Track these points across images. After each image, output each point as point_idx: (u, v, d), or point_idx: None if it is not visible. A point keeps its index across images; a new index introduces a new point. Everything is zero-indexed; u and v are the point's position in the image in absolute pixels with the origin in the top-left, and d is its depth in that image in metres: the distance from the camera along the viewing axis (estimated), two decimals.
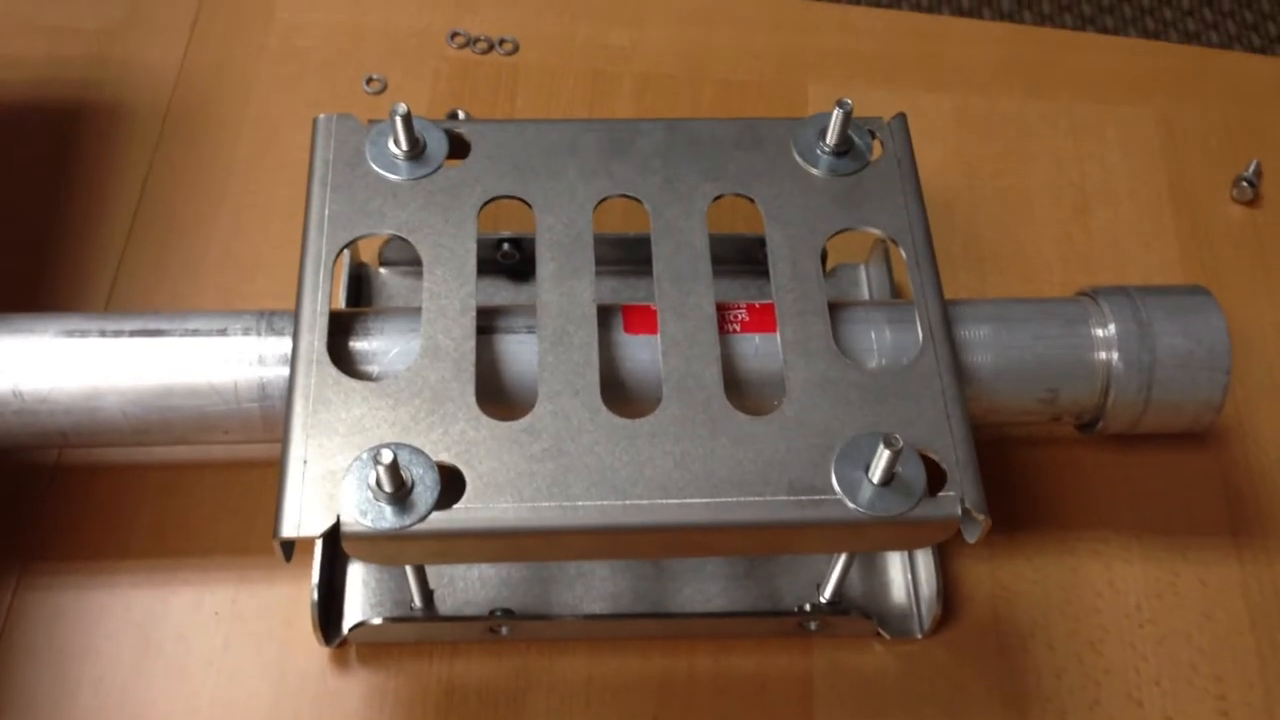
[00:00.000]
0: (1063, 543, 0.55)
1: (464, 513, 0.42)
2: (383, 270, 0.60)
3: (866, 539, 0.45)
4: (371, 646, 0.51)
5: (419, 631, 0.51)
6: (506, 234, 0.59)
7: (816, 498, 0.43)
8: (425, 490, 0.42)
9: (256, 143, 0.65)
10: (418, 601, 0.51)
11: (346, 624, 0.51)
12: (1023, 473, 0.57)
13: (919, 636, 0.52)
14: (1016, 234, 0.64)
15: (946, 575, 0.53)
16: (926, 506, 0.43)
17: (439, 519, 0.42)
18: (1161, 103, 0.70)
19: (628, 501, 0.43)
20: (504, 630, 0.51)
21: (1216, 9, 1.67)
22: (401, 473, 0.42)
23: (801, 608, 0.51)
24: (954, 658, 0.52)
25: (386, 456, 0.41)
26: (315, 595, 0.49)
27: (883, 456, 0.42)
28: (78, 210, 0.62)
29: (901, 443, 0.42)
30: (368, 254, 0.59)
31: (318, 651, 0.51)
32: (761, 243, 0.59)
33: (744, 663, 0.52)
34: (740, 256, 0.60)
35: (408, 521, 0.42)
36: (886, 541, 0.47)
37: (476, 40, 0.70)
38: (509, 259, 0.59)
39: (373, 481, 0.42)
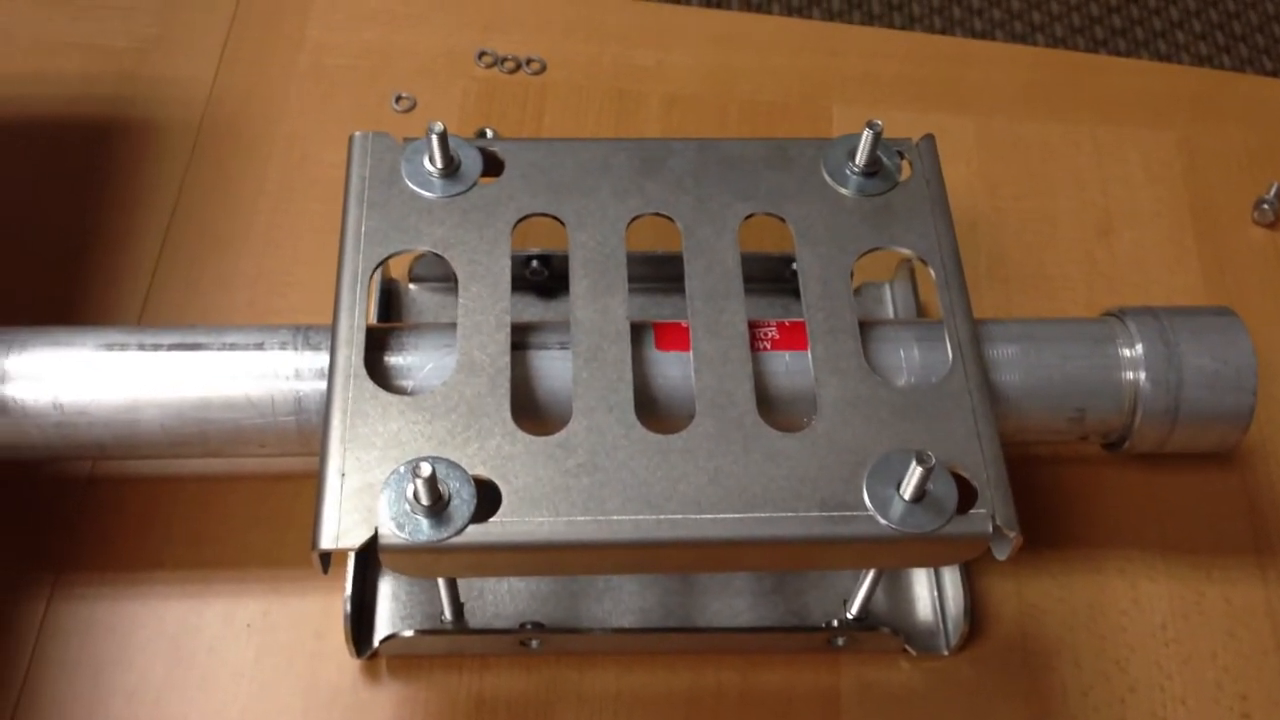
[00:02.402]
0: (1089, 561, 0.55)
1: (500, 526, 0.43)
2: (412, 286, 0.60)
3: (898, 555, 0.46)
4: (402, 659, 0.52)
5: (450, 644, 0.51)
6: (535, 251, 0.59)
7: (849, 514, 0.44)
8: (462, 504, 0.43)
9: (288, 160, 0.66)
10: (448, 614, 0.51)
11: (377, 636, 0.51)
12: (1048, 491, 0.57)
13: (945, 653, 0.52)
14: (1040, 255, 0.65)
15: (973, 592, 0.53)
16: (958, 523, 0.43)
17: (475, 532, 0.42)
18: (1182, 126, 0.70)
19: (662, 516, 0.43)
20: (534, 644, 0.51)
21: (1229, 33, 1.68)
22: (439, 486, 0.42)
23: (829, 624, 0.52)
24: (980, 675, 0.52)
25: (425, 470, 0.41)
26: (348, 607, 0.49)
27: (915, 473, 0.43)
28: (111, 226, 0.62)
29: (934, 460, 0.42)
30: (398, 270, 0.60)
31: (349, 664, 0.51)
32: (786, 261, 0.60)
33: (771, 678, 0.52)
34: (766, 275, 0.60)
35: (444, 534, 0.42)
36: (917, 558, 0.48)
37: (504, 60, 0.70)
38: (538, 275, 0.60)
39: (410, 494, 0.42)
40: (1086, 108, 0.71)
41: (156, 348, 0.49)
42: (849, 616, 0.52)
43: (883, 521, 0.43)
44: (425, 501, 0.42)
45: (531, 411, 0.48)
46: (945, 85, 0.71)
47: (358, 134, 0.52)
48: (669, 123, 0.69)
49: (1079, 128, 0.70)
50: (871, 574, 0.50)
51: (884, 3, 1.64)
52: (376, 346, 0.48)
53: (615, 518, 0.43)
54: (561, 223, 0.50)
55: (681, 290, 0.49)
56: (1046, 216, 0.66)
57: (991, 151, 0.69)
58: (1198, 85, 0.72)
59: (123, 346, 0.49)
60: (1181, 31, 1.68)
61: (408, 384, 0.48)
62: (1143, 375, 0.50)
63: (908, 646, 0.52)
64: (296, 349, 0.49)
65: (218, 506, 0.54)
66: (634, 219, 0.50)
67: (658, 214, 0.51)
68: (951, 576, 0.53)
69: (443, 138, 0.50)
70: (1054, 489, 0.57)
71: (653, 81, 0.70)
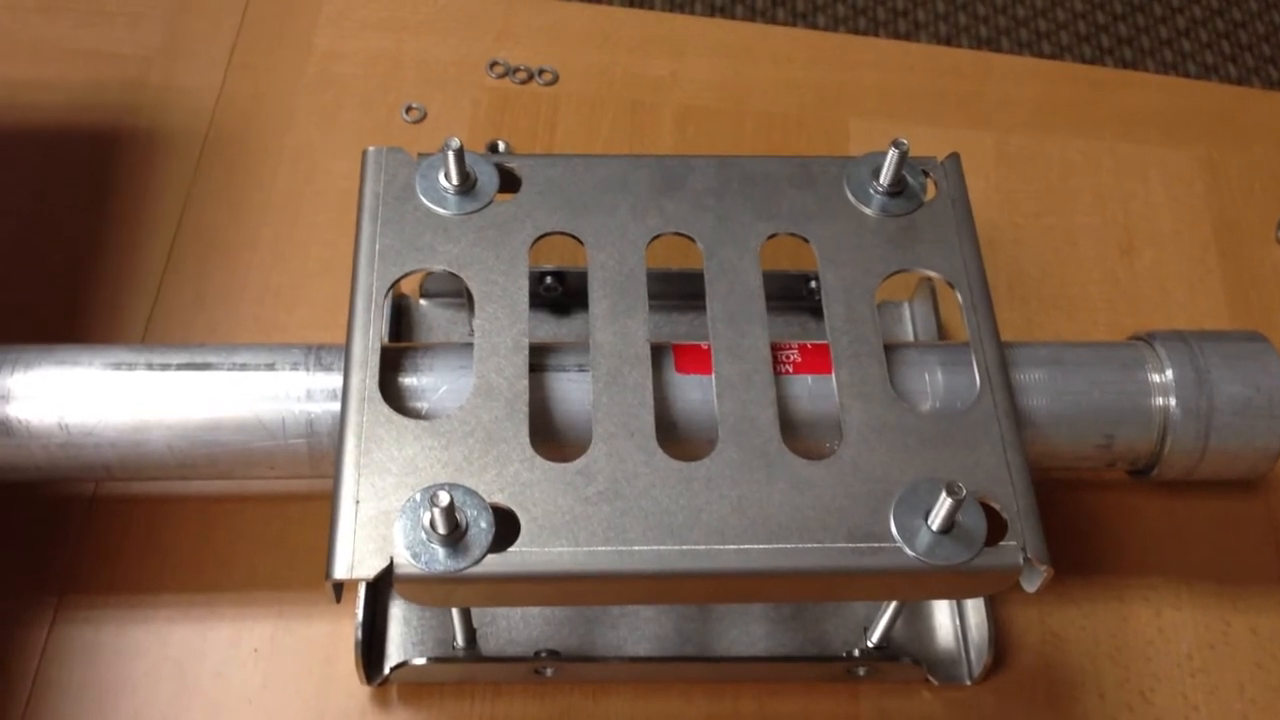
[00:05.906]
0: (1112, 589, 0.54)
1: (519, 556, 0.41)
2: (423, 302, 0.59)
3: (925, 588, 0.45)
4: (413, 686, 0.50)
5: (462, 672, 0.50)
6: (549, 267, 0.58)
7: (875, 545, 0.42)
8: (480, 533, 0.41)
9: (295, 171, 0.64)
10: (460, 641, 0.50)
11: (388, 662, 0.50)
12: (1070, 518, 0.56)
13: (968, 683, 0.51)
14: (1060, 273, 0.64)
15: (995, 621, 0.52)
16: (987, 556, 0.42)
17: (493, 562, 0.41)
18: (1205, 144, 0.69)
19: (685, 547, 0.42)
20: (549, 671, 0.50)
21: (1235, 42, 1.67)
22: (456, 515, 0.41)
23: (850, 653, 0.51)
24: (1003, 705, 0.51)
25: (444, 499, 0.40)
26: (359, 634, 0.48)
27: (944, 505, 0.41)
28: (115, 238, 0.61)
29: (965, 491, 0.41)
30: (408, 285, 0.59)
31: (358, 690, 0.50)
32: (803, 278, 0.59)
33: (790, 707, 0.51)
34: (782, 292, 0.59)
35: (462, 565, 0.41)
36: (945, 590, 0.46)
37: (516, 70, 0.69)
38: (552, 292, 0.59)
39: (427, 523, 0.41)
40: (1107, 124, 0.70)
41: (165, 367, 0.48)
42: (870, 645, 0.51)
43: (910, 553, 0.42)
44: (442, 530, 0.41)
45: (549, 436, 0.46)
46: (963, 99, 0.70)
47: (371, 149, 0.51)
48: (683, 135, 0.68)
49: (1099, 144, 0.69)
50: (894, 603, 0.49)
51: (889, 9, 1.63)
52: (390, 367, 0.47)
53: (637, 548, 0.42)
54: (580, 242, 0.49)
55: (697, 307, 0.48)
56: (1066, 234, 0.65)
57: (1010, 167, 0.68)
58: (1220, 102, 0.71)
59: (130, 366, 0.47)
60: (1187, 40, 1.67)
61: (422, 406, 0.47)
62: (1173, 401, 0.49)
63: (930, 676, 0.51)
64: (308, 370, 0.48)
65: (224, 528, 0.53)
66: (654, 238, 0.49)
67: (678, 233, 0.50)
68: (975, 604, 0.52)
69: (459, 154, 0.49)
70: (1076, 515, 0.56)
71: (666, 93, 0.69)
